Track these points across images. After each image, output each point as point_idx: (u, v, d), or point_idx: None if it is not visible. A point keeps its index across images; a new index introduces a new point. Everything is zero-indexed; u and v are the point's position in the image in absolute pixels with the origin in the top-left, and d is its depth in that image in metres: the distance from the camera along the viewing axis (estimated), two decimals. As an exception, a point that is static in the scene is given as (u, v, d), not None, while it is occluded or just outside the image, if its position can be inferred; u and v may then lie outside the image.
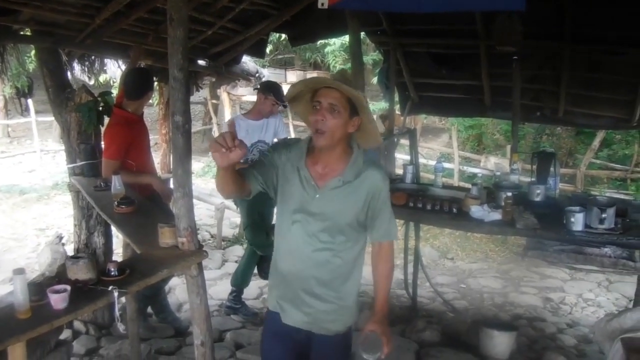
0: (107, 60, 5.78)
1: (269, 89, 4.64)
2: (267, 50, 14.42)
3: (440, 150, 12.64)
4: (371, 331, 2.30)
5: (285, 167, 2.33)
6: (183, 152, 2.78)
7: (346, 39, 4.78)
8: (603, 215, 3.56)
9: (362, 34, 6.25)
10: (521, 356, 4.21)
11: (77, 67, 5.22)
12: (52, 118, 8.48)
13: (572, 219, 3.55)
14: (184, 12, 2.70)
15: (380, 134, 2.82)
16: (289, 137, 2.52)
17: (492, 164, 11.35)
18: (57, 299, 2.25)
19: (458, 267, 7.23)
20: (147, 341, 4.21)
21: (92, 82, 6.95)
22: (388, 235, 2.40)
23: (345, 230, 2.31)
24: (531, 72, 5.03)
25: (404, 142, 5.97)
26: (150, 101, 10.77)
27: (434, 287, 5.73)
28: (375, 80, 9.31)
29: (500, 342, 4.12)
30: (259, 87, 4.84)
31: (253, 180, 2.32)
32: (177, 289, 5.45)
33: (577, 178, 10.48)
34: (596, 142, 10.89)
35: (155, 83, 5.80)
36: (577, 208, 3.62)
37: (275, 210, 2.47)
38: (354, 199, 2.28)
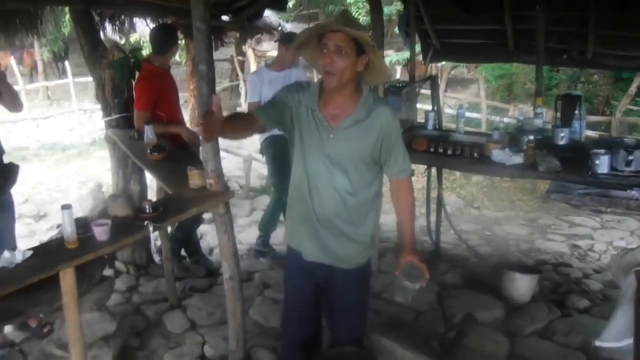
0: (136, 20, 5.92)
1: (289, 39, 4.68)
2: (290, 4, 14.33)
3: (469, 100, 12.44)
4: (409, 262, 2.42)
5: (299, 109, 2.40)
6: (208, 98, 2.89)
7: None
8: (630, 157, 3.54)
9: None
10: (543, 299, 4.22)
11: (108, 26, 5.37)
12: (88, 79, 8.92)
13: (597, 162, 3.53)
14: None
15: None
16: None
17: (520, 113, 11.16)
18: (100, 231, 2.53)
19: (484, 216, 7.20)
20: (181, 280, 4.52)
21: (123, 42, 7.06)
22: (404, 172, 2.48)
23: (361, 169, 2.39)
24: (556, 13, 4.87)
25: (427, 92, 5.90)
26: (178, 59, 10.91)
27: (458, 234, 5.72)
28: (397, 29, 9.17)
29: (522, 284, 4.13)
30: (279, 38, 4.89)
31: (264, 117, 2.42)
32: (208, 234, 5.74)
33: (613, 125, 10.23)
34: (633, 88, 10.53)
35: (182, 41, 5.92)
36: (602, 150, 3.60)
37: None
38: (367, 137, 2.34)
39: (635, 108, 11.19)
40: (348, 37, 2.20)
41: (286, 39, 4.76)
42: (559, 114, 4.53)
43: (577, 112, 4.41)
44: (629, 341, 2.41)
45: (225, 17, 5.74)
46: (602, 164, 3.51)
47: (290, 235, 2.64)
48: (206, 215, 4.95)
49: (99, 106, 5.22)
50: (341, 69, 2.22)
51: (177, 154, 3.96)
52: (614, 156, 3.54)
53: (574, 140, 4.17)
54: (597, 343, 2.69)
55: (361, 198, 2.44)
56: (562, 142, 4.07)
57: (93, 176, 8.77)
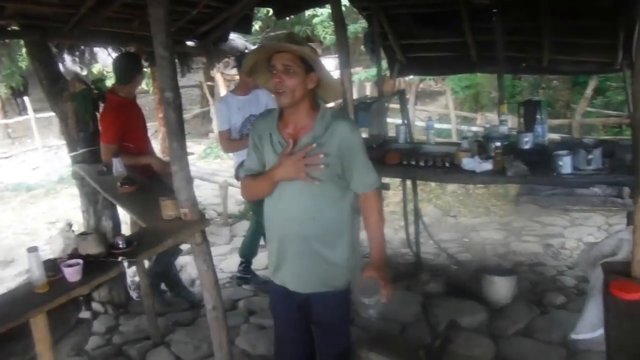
0: (97, 50, 5.85)
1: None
2: (257, 27, 14.43)
3: (438, 112, 12.68)
4: (369, 277, 2.37)
5: (263, 137, 2.45)
6: (176, 126, 2.92)
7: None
8: (590, 156, 3.67)
9: (345, 1, 6.32)
10: (523, 299, 4.36)
11: (67, 58, 5.28)
12: (51, 114, 8.58)
13: (561, 163, 3.66)
14: (163, -9, 2.79)
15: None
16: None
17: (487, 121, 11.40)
18: (71, 272, 2.42)
19: (461, 223, 7.35)
20: (163, 315, 4.43)
21: (85, 73, 7.01)
22: (368, 186, 2.47)
23: (327, 186, 2.39)
24: (512, 24, 5.06)
25: (396, 106, 6.06)
26: (145, 87, 10.86)
27: (437, 243, 5.86)
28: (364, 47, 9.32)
29: (502, 286, 4.27)
30: (235, 63, 4.87)
31: (261, 169, 2.49)
32: (188, 266, 5.64)
33: (573, 127, 10.53)
34: (589, 91, 10.87)
35: (148, 69, 5.90)
36: (564, 152, 3.73)
37: None
38: (326, 153, 2.34)
39: (593, 110, 11.54)
40: (295, 56, 2.26)
41: (240, 63, 4.65)
42: (522, 120, 4.69)
43: (538, 116, 4.56)
44: (602, 331, 2.52)
45: (190, 43, 5.78)
46: (565, 164, 3.64)
47: (269, 264, 2.64)
48: (185, 246, 4.88)
49: (64, 142, 5.09)
50: (291, 87, 2.26)
51: (148, 186, 3.91)
52: (576, 156, 3.68)
53: (538, 144, 4.29)
54: (573, 336, 2.81)
55: (332, 216, 2.43)
56: (527, 147, 4.19)
57: (62, 215, 8.50)
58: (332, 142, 2.35)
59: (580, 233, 6.52)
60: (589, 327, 2.72)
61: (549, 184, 3.88)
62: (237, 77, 14.26)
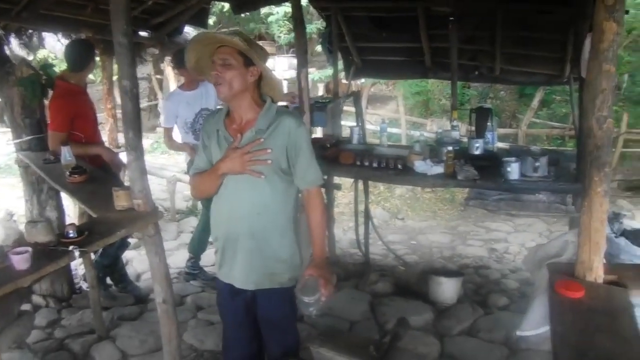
0: (45, 35, 5.69)
1: (184, 60, 4.61)
2: (211, 22, 14.31)
3: (388, 116, 12.87)
4: (309, 275, 2.37)
5: (211, 134, 2.46)
6: (132, 115, 2.88)
7: (289, 7, 4.82)
8: (537, 164, 3.78)
9: (305, 0, 6.35)
10: (468, 300, 4.48)
11: (14, 41, 5.11)
12: None
13: (509, 169, 3.75)
14: (124, -23, 2.76)
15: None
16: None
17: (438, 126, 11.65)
18: (19, 260, 2.33)
19: (408, 226, 7.50)
20: (109, 310, 4.32)
21: (30, 58, 6.77)
22: (312, 182, 2.46)
23: (273, 180, 2.38)
24: (467, 32, 5.18)
25: (350, 109, 6.14)
26: (92, 77, 10.57)
27: (386, 244, 5.95)
28: (319, 47, 9.38)
29: (448, 287, 4.37)
30: (175, 59, 4.78)
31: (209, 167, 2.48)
32: (134, 260, 5.54)
33: (519, 137, 10.88)
34: (535, 102, 11.28)
35: (98, 58, 5.76)
36: (513, 158, 3.83)
37: None
38: (270, 147, 2.33)
39: (538, 121, 11.96)
40: (233, 50, 2.28)
41: (180, 61, 4.49)
42: (473, 126, 4.81)
43: (489, 124, 4.70)
44: (546, 328, 2.61)
45: (143, 33, 5.69)
46: (513, 171, 3.74)
47: (216, 261, 2.63)
48: (131, 240, 4.83)
49: (7, 129, 4.91)
50: (228, 79, 2.28)
51: (98, 175, 3.82)
52: (523, 164, 3.79)
53: (487, 150, 4.42)
54: (519, 333, 2.90)
55: (277, 212, 2.42)
56: (477, 152, 4.31)
57: (2, 205, 8.28)
58: (277, 137, 2.35)
59: (523, 238, 6.77)
60: (534, 325, 2.81)
61: (497, 189, 3.99)
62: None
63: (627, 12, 4.06)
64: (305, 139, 2.42)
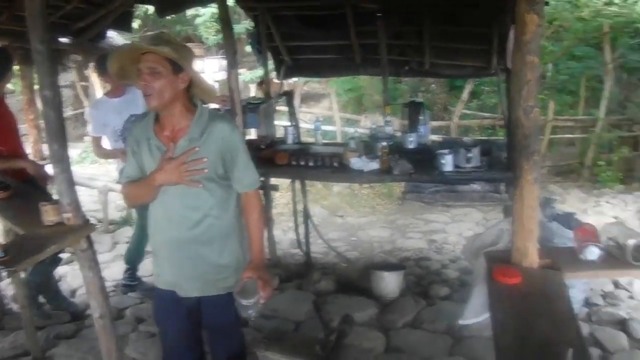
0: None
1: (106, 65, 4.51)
2: (136, 25, 13.94)
3: (323, 114, 12.89)
4: (248, 278, 2.34)
5: (140, 142, 2.36)
6: (56, 126, 2.77)
7: (216, 8, 4.74)
8: (469, 155, 3.86)
9: (232, 1, 6.26)
10: (410, 292, 4.54)
11: None
12: None
13: (443, 161, 3.81)
14: (40, -18, 2.65)
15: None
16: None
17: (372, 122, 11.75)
18: None
19: (348, 223, 7.53)
20: (43, 329, 4.13)
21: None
22: (249, 185, 2.44)
23: (211, 187, 2.34)
24: (396, 28, 5.24)
25: (284, 108, 6.12)
26: (11, 87, 10.12)
27: (327, 242, 5.95)
28: (249, 48, 9.31)
29: (390, 281, 4.42)
30: (98, 65, 4.64)
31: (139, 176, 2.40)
32: (68, 275, 5.31)
33: (451, 129, 11.12)
34: (465, 94, 11.53)
35: (17, 67, 5.53)
36: (446, 151, 3.89)
37: None
38: (205, 154, 2.29)
39: (469, 112, 12.25)
40: (161, 57, 2.19)
41: (104, 67, 4.31)
42: (406, 121, 4.87)
43: (421, 117, 4.77)
44: (486, 315, 2.68)
45: (64, 39, 5.47)
46: (447, 162, 3.80)
47: (154, 271, 2.57)
48: (64, 255, 4.64)
49: None
50: (158, 89, 2.19)
51: (24, 190, 3.68)
52: (456, 155, 3.86)
53: (421, 143, 4.48)
54: (461, 322, 2.96)
55: (218, 218, 2.39)
56: (411, 146, 4.36)
57: None
58: (212, 143, 2.31)
59: (461, 228, 6.92)
60: (475, 313, 2.88)
61: (432, 181, 4.06)
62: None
63: (547, 3, 4.21)
64: (240, 143, 2.39)
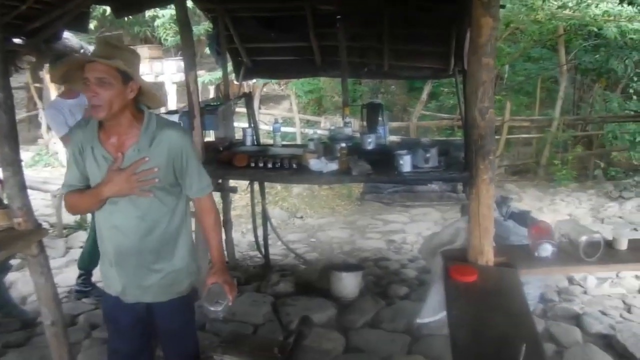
0: None
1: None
2: (92, 26, 13.69)
3: (282, 115, 12.88)
4: (213, 283, 2.34)
5: (84, 149, 2.28)
6: (7, 128, 2.74)
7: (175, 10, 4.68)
8: (427, 155, 3.90)
9: (190, 2, 6.19)
10: (369, 292, 4.57)
11: None
12: None
13: (401, 161, 3.83)
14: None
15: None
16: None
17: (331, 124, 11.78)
18: None
19: (307, 224, 7.53)
20: None
21: None
22: (203, 190, 2.42)
23: (159, 196, 2.31)
24: (355, 30, 5.27)
25: (244, 110, 6.09)
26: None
27: (285, 244, 5.94)
28: (208, 49, 9.21)
29: (349, 282, 4.43)
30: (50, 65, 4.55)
31: (83, 183, 2.33)
32: (19, 282, 5.14)
33: (410, 129, 11.23)
34: (424, 95, 11.68)
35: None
36: (404, 151, 3.92)
37: None
38: (155, 164, 2.25)
39: (427, 113, 12.41)
40: (110, 67, 2.11)
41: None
42: (365, 122, 4.90)
43: (380, 118, 4.80)
44: (444, 313, 2.71)
45: (18, 40, 5.33)
46: (406, 163, 3.83)
47: (103, 279, 2.51)
48: (14, 262, 4.52)
49: None
50: (107, 100, 2.12)
51: None
52: (415, 156, 3.89)
53: (380, 144, 4.51)
54: (419, 320, 2.99)
55: (169, 226, 2.36)
56: (370, 147, 4.38)
57: None
58: (162, 152, 2.26)
59: (420, 228, 6.99)
60: (432, 311, 2.91)
61: (391, 181, 4.09)
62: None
63: (503, 6, 4.29)
64: (190, 149, 2.35)
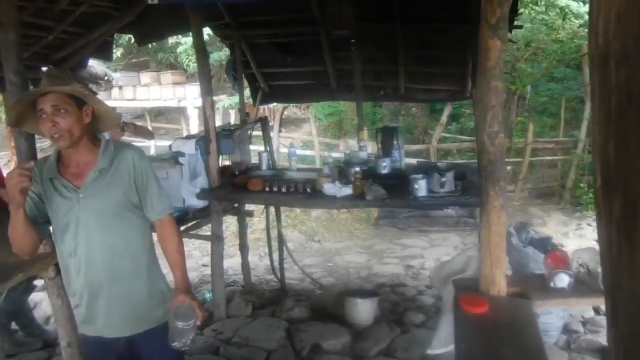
0: None
1: None
2: (119, 53, 13.99)
3: (302, 138, 12.93)
4: (181, 302, 2.27)
5: (45, 186, 2.24)
6: (27, 153, 2.80)
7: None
8: (443, 180, 3.84)
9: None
10: (384, 319, 4.48)
11: None
12: None
13: (416, 186, 3.79)
14: (14, 15, 2.77)
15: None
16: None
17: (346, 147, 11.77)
18: None
19: (325, 248, 7.48)
20: (14, 357, 4.10)
21: None
22: (164, 210, 2.38)
23: (125, 217, 2.28)
24: (370, 53, 5.28)
25: (260, 133, 6.13)
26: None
27: (301, 268, 5.90)
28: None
29: (363, 308, 4.36)
30: None
31: (42, 227, 2.26)
32: (43, 302, 5.21)
33: (430, 152, 11.15)
34: (444, 117, 11.60)
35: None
36: (419, 175, 3.87)
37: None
38: (117, 182, 2.24)
39: (448, 135, 12.31)
40: (62, 95, 2.11)
41: None
42: (380, 146, 4.87)
43: (395, 142, 4.76)
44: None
45: (44, 69, 5.48)
46: (421, 187, 3.78)
47: (77, 315, 2.41)
48: (39, 282, 4.53)
49: None
50: (67, 128, 2.11)
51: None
52: (430, 180, 3.85)
53: (395, 168, 4.48)
54: (429, 351, 2.91)
55: (139, 249, 2.33)
56: (385, 171, 4.35)
57: None
58: (123, 171, 2.26)
59: (439, 253, 6.86)
60: (443, 342, 2.83)
61: (406, 206, 4.04)
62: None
63: (520, 27, 4.25)
64: (150, 170, 2.35)
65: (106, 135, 2.52)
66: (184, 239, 2.53)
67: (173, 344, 2.23)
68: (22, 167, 2.07)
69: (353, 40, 5.06)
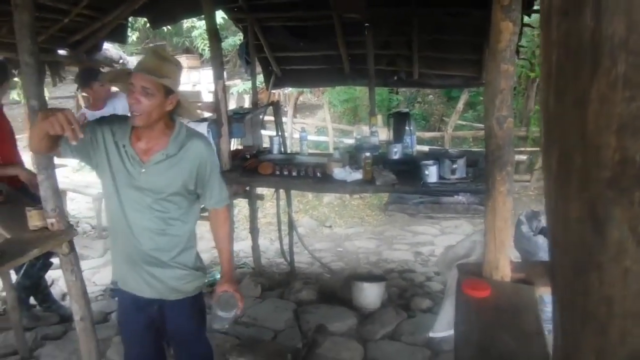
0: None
1: (87, 79, 4.56)
2: (134, 37, 14.05)
3: (317, 124, 12.90)
4: (224, 291, 2.43)
5: (107, 143, 2.32)
6: None
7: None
8: (454, 166, 3.84)
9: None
10: (392, 304, 4.50)
11: None
12: None
13: (427, 172, 3.80)
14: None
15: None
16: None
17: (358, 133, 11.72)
18: None
19: (335, 233, 7.50)
20: (32, 330, 4.22)
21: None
22: (221, 202, 2.50)
23: (176, 201, 2.38)
24: (383, 38, 5.25)
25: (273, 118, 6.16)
26: (17, 97, 10.20)
27: (311, 253, 5.93)
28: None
29: (371, 292, 4.38)
30: (82, 81, 4.70)
31: (65, 147, 2.31)
32: (60, 279, 5.31)
33: (445, 140, 11.08)
34: (460, 105, 11.49)
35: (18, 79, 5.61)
36: (430, 161, 3.87)
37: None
38: (179, 170, 2.32)
39: (464, 123, 12.21)
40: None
41: (85, 82, 4.58)
42: (391, 131, 4.86)
43: (407, 128, 4.75)
44: (457, 328, 2.64)
45: (61, 51, 5.53)
46: (431, 174, 3.79)
47: (115, 274, 2.59)
48: (56, 260, 4.67)
49: None
50: (147, 110, 2.18)
51: (15, 196, 3.74)
52: (441, 166, 3.85)
53: (406, 154, 4.48)
54: (431, 334, 2.92)
55: (180, 229, 2.43)
56: (396, 157, 4.36)
57: None
58: (188, 160, 2.34)
59: (450, 240, 6.82)
60: (445, 326, 2.84)
61: (416, 192, 4.05)
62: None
63: (537, 11, 4.19)
64: (214, 161, 2.45)
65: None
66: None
67: (213, 326, 2.44)
68: (77, 123, 2.07)
69: (367, 25, 5.04)
